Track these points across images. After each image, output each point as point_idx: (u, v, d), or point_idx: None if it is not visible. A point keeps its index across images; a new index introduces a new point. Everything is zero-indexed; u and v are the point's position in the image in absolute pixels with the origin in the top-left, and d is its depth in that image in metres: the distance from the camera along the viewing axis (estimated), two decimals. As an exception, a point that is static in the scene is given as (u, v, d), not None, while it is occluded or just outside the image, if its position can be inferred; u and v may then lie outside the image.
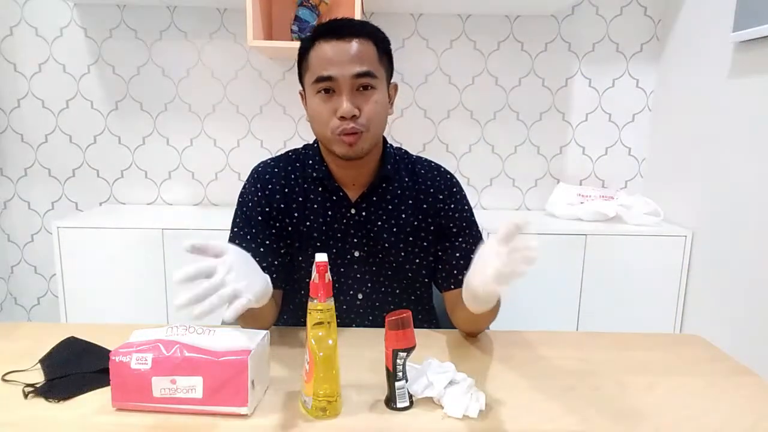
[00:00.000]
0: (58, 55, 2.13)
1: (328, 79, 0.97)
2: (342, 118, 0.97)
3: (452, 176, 1.15)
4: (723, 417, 0.79)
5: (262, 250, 1.05)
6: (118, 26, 2.11)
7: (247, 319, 0.97)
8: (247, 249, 1.04)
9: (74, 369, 0.87)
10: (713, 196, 1.78)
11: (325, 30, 1.00)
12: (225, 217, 1.92)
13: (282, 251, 1.08)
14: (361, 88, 0.99)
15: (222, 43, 2.13)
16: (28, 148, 2.20)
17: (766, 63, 1.55)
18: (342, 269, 1.09)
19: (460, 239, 1.10)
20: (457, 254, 1.09)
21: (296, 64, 1.08)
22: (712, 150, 1.79)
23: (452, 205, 1.11)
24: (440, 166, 1.16)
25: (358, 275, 1.09)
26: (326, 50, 0.98)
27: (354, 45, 0.98)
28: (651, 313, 1.91)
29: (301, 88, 1.09)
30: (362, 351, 0.99)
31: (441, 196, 1.11)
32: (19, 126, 2.18)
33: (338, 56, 0.97)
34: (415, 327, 0.79)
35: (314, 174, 1.09)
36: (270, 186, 1.09)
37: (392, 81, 1.08)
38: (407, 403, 0.79)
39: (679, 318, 1.92)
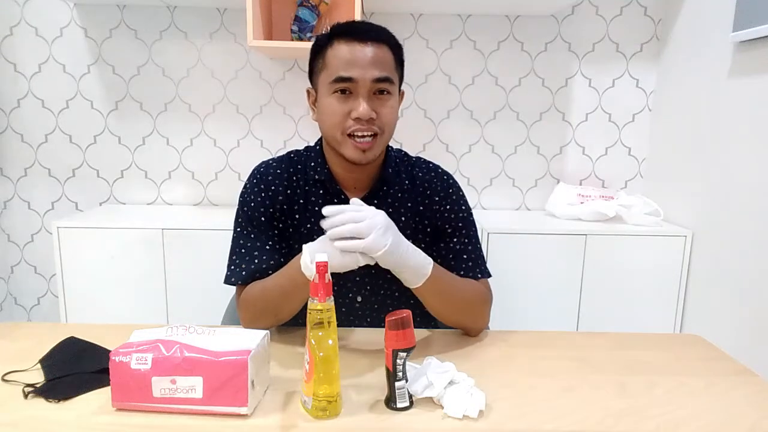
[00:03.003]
0: (58, 55, 2.13)
1: (348, 80, 0.97)
2: (357, 119, 0.98)
3: (449, 177, 1.15)
4: (723, 417, 0.79)
5: (267, 248, 1.05)
6: (118, 26, 2.11)
7: (279, 297, 0.99)
8: (251, 249, 1.05)
9: (74, 369, 0.87)
10: (713, 196, 1.78)
11: (345, 30, 1.00)
12: (225, 218, 1.94)
13: (284, 251, 1.08)
14: (378, 93, 1.00)
15: (222, 43, 2.13)
16: (28, 148, 2.20)
17: (766, 63, 1.55)
18: (341, 272, 1.09)
19: (455, 239, 1.10)
20: (450, 255, 1.09)
21: (306, 61, 1.08)
22: (712, 150, 1.79)
23: (448, 206, 1.11)
24: (438, 167, 1.16)
25: (357, 278, 1.09)
26: (346, 51, 0.98)
27: (374, 49, 0.98)
28: (651, 313, 1.91)
29: (309, 86, 1.08)
30: (362, 351, 0.99)
31: (437, 198, 1.11)
32: (19, 126, 2.18)
33: (359, 58, 0.97)
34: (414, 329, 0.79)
35: (316, 176, 1.09)
36: (273, 187, 1.09)
37: (401, 89, 1.09)
38: (407, 403, 0.79)
39: (679, 318, 1.92)
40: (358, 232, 0.86)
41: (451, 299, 1.02)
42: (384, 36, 1.01)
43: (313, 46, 1.05)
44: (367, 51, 0.98)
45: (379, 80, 0.98)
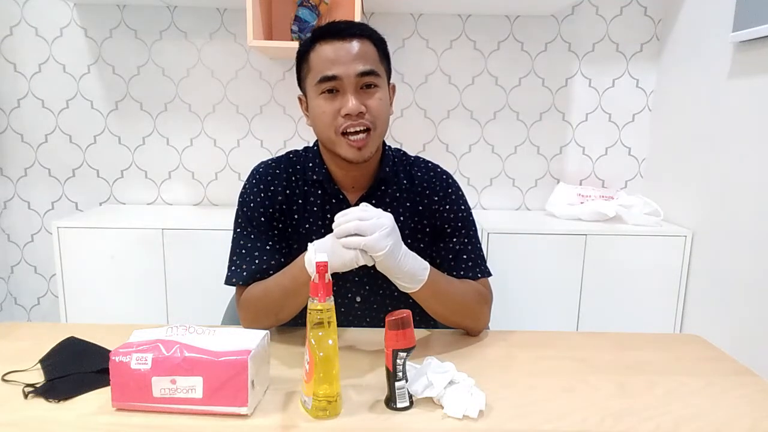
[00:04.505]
0: (58, 55, 2.13)
1: (333, 78, 0.97)
2: (347, 116, 0.98)
3: (449, 176, 1.15)
4: (723, 417, 0.79)
5: (267, 248, 1.05)
6: (118, 26, 2.11)
7: (281, 296, 0.99)
8: (251, 249, 1.05)
9: (74, 369, 0.87)
10: (713, 196, 1.78)
11: (325, 32, 1.00)
12: (225, 217, 1.94)
13: (284, 251, 1.08)
14: (365, 87, 1.00)
15: (222, 43, 2.13)
16: (28, 148, 2.20)
17: (766, 63, 1.55)
18: (340, 272, 1.09)
19: (455, 239, 1.10)
20: (450, 256, 1.09)
21: (295, 67, 1.08)
22: (711, 150, 1.79)
23: (447, 206, 1.11)
24: (437, 167, 1.16)
25: (356, 278, 1.09)
26: (328, 51, 0.98)
27: (356, 44, 0.99)
28: (651, 313, 1.91)
29: (300, 93, 1.09)
30: (362, 351, 0.99)
31: (436, 197, 1.11)
32: (19, 126, 2.18)
33: (341, 56, 0.98)
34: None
35: (314, 176, 1.09)
36: (272, 187, 1.09)
37: (391, 82, 1.09)
38: (407, 403, 0.79)
39: (679, 318, 1.92)
40: (362, 229, 0.87)
41: (449, 302, 1.02)
42: (365, 31, 1.01)
43: (297, 53, 1.05)
44: (348, 47, 0.98)
45: (364, 74, 0.98)
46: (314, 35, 1.01)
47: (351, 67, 0.97)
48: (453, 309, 1.04)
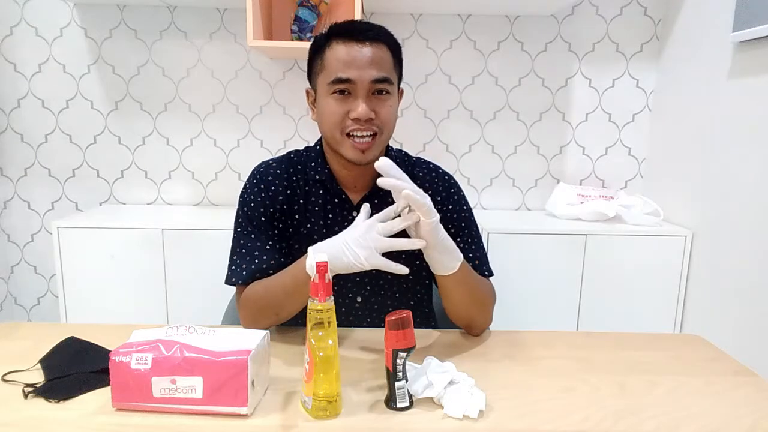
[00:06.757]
0: (58, 55, 2.13)
1: (347, 81, 0.97)
2: (356, 119, 0.98)
3: (450, 177, 1.15)
4: (723, 417, 0.79)
5: (267, 248, 1.05)
6: (118, 26, 2.11)
7: (282, 295, 0.98)
8: (251, 249, 1.05)
9: (74, 369, 0.87)
10: (713, 196, 1.78)
11: (343, 31, 1.00)
12: (225, 217, 1.94)
13: (284, 251, 1.08)
14: (377, 93, 1.00)
15: (222, 43, 2.13)
16: (28, 148, 2.20)
17: (766, 63, 1.55)
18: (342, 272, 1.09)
19: (458, 239, 1.10)
20: None
21: (306, 61, 1.08)
22: (712, 150, 1.79)
23: (450, 206, 1.11)
24: (438, 168, 1.16)
25: (357, 278, 1.09)
26: (344, 52, 0.98)
27: (372, 49, 0.98)
28: (651, 313, 1.91)
29: (308, 86, 1.08)
30: (362, 351, 0.99)
31: (439, 198, 1.11)
32: (19, 126, 2.18)
33: (357, 59, 0.97)
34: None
35: (316, 176, 1.09)
36: (273, 187, 1.09)
37: (400, 86, 1.09)
38: (407, 403, 0.79)
39: (679, 318, 1.92)
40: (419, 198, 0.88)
41: (474, 290, 1.02)
42: (382, 36, 1.01)
43: (311, 46, 1.05)
44: (365, 51, 0.98)
45: (377, 81, 0.98)
46: (331, 31, 1.01)
47: (366, 72, 0.97)
48: (475, 299, 1.03)
